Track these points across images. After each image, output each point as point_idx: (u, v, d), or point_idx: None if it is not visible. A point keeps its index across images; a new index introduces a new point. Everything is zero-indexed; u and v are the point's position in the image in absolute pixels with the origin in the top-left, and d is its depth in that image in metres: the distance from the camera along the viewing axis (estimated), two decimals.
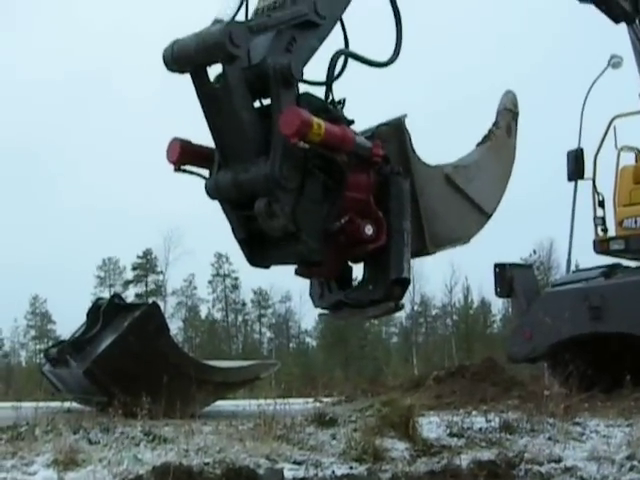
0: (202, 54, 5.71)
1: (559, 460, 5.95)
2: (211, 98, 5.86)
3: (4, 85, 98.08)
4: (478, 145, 7.56)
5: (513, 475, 5.41)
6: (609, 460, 5.85)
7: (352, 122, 6.21)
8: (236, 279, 72.09)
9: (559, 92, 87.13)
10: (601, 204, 13.65)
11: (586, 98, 15.83)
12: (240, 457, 5.47)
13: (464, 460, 5.73)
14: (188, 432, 6.28)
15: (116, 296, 10.90)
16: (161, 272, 70.23)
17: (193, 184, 6.37)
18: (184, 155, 6.21)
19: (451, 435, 7.00)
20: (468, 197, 6.99)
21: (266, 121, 5.89)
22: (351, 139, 5.93)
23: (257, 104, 6.08)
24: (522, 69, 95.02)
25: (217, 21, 5.78)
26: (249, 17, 6.17)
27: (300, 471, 5.30)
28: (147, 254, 70.49)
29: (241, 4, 6.03)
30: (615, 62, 16.17)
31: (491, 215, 7.37)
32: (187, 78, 5.96)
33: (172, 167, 6.28)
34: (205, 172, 6.33)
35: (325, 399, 11.83)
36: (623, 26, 12.32)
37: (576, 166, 13.96)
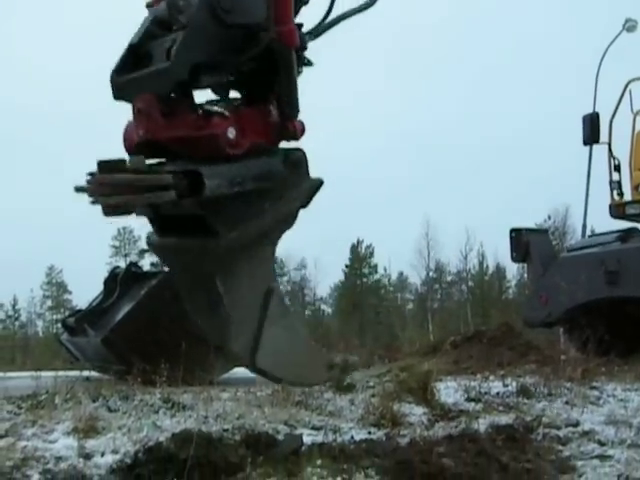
0: None
1: (577, 424, 5.95)
2: None
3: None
4: None
5: (531, 439, 5.41)
6: (626, 424, 5.86)
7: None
8: None
9: (574, 54, 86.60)
10: (617, 168, 13.60)
11: (601, 62, 15.69)
12: (259, 423, 5.50)
13: (482, 424, 5.74)
14: (207, 399, 6.31)
15: (133, 265, 10.96)
16: None
17: None
18: None
19: (468, 400, 7.02)
20: (260, 330, 5.11)
21: None
22: (296, 39, 5.36)
23: None
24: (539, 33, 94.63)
25: None
26: None
27: (319, 436, 5.31)
28: None
29: None
30: (630, 26, 16.02)
31: (250, 365, 5.25)
32: None
33: None
34: None
35: None
36: None
37: (591, 130, 13.89)
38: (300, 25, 5.40)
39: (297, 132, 5.28)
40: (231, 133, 4.97)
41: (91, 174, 4.71)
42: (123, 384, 7.11)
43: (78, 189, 4.92)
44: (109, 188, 4.71)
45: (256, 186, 5.01)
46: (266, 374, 5.14)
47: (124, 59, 4.83)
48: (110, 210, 4.70)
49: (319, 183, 5.42)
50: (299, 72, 5.54)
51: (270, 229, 5.18)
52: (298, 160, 5.39)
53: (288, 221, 5.33)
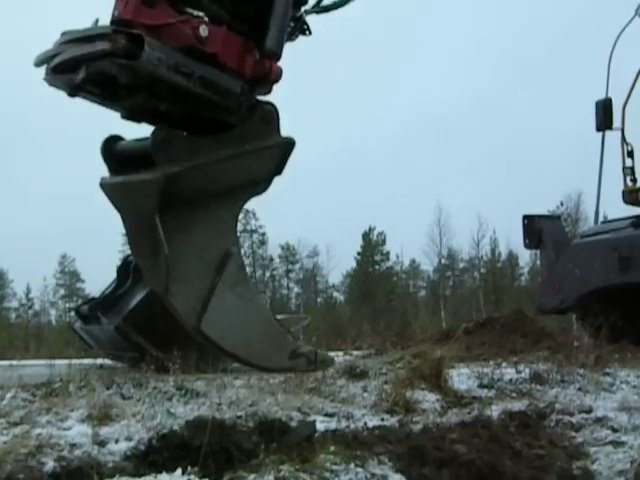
0: None
1: (590, 410, 5.96)
2: None
3: None
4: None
5: (544, 426, 5.42)
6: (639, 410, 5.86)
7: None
8: (263, 235, 72.29)
9: (587, 39, 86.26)
10: (630, 154, 13.55)
11: (614, 47, 15.61)
12: (272, 410, 5.50)
13: (495, 411, 5.74)
14: (220, 386, 6.32)
15: None
16: None
17: None
18: None
19: (481, 386, 7.02)
20: (211, 292, 5.14)
21: None
22: None
23: None
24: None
25: None
26: None
27: (332, 423, 5.32)
28: None
29: None
30: None
31: (194, 328, 5.53)
32: None
33: None
34: None
35: (355, 352, 11.87)
36: None
37: (604, 116, 13.82)
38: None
39: (273, 71, 5.18)
40: (203, 31, 4.88)
41: None
42: (136, 371, 7.12)
43: (37, 63, 4.95)
44: (61, 47, 4.76)
45: (203, 92, 4.89)
46: (213, 343, 4.94)
47: None
48: (56, 72, 4.66)
49: (290, 142, 5.26)
50: (294, 37, 5.45)
51: (236, 186, 5.05)
52: (267, 113, 5.24)
53: (258, 183, 5.19)
